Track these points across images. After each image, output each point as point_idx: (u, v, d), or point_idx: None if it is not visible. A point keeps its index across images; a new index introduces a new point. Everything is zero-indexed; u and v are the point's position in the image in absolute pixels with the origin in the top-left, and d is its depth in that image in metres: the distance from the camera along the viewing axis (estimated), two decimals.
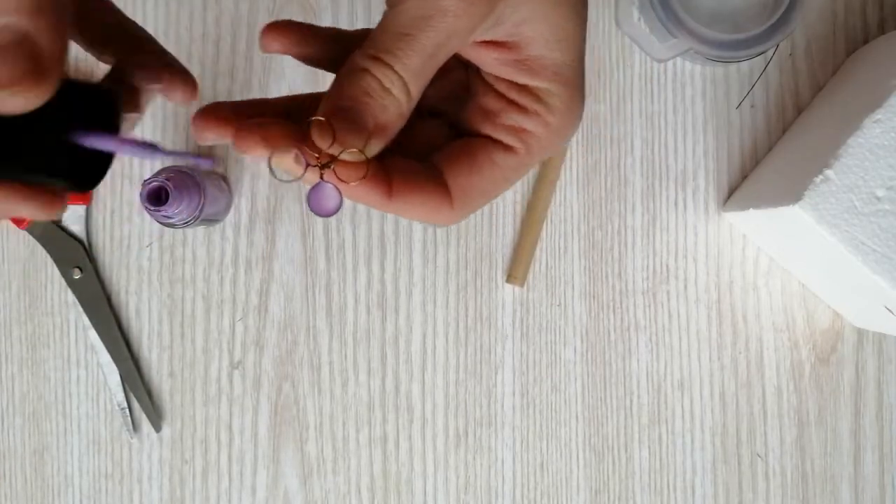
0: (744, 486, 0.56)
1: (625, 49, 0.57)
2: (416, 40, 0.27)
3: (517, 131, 0.31)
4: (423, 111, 0.32)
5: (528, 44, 0.29)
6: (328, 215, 0.28)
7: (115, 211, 0.57)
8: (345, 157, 0.27)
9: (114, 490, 0.56)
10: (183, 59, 0.60)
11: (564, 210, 0.57)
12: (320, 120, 0.27)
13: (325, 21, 0.57)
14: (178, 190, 0.49)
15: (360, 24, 0.57)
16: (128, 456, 0.57)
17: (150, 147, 0.25)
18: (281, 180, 0.28)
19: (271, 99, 0.31)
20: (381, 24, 0.28)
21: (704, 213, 0.57)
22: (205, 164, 0.29)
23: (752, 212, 0.51)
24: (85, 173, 0.25)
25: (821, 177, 0.44)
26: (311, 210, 0.28)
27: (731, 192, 0.57)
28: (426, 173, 0.30)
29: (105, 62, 0.29)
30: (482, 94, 0.32)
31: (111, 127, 0.25)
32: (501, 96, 0.31)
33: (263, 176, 0.57)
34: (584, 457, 0.56)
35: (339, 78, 0.28)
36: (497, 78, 0.31)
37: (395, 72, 0.28)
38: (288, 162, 0.28)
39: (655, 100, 0.57)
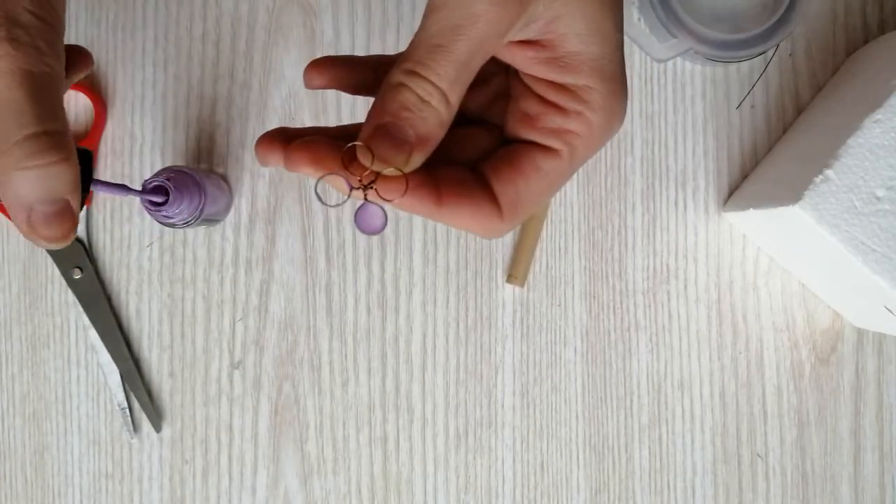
0: (744, 486, 0.56)
1: (625, 49, 0.57)
2: (450, 50, 0.28)
3: (559, 133, 0.30)
4: (468, 119, 0.33)
5: (562, 40, 0.29)
6: (375, 233, 0.29)
7: (115, 211, 0.57)
8: (387, 174, 0.28)
9: (114, 490, 0.56)
10: (183, 60, 0.60)
11: (564, 210, 0.57)
12: (360, 144, 0.28)
13: (326, 21, 0.57)
14: (179, 190, 0.49)
15: (359, 25, 0.57)
16: (128, 456, 0.57)
17: (124, 189, 0.36)
18: (328, 205, 0.30)
19: (325, 127, 0.32)
20: (414, 37, 0.29)
21: (704, 213, 0.57)
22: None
23: (752, 212, 0.51)
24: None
25: (821, 177, 0.44)
26: (360, 229, 0.29)
27: (731, 192, 0.57)
28: (475, 181, 0.30)
29: None
30: (521, 97, 0.31)
31: (90, 173, 0.33)
32: (540, 98, 0.30)
33: (264, 176, 0.57)
34: (585, 457, 0.56)
35: (378, 97, 0.29)
36: (535, 79, 0.30)
37: (432, 83, 0.28)
38: (337, 182, 0.29)
39: (655, 100, 0.57)
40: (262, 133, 0.31)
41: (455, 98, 0.29)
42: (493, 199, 0.30)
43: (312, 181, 0.56)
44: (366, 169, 0.28)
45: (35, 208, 0.28)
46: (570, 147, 0.30)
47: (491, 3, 0.27)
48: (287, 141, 0.30)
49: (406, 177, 0.28)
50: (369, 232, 0.29)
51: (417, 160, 0.28)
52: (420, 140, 0.28)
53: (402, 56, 0.29)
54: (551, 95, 0.30)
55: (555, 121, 0.30)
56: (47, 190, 0.28)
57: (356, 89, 0.33)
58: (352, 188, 0.28)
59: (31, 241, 0.29)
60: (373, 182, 0.28)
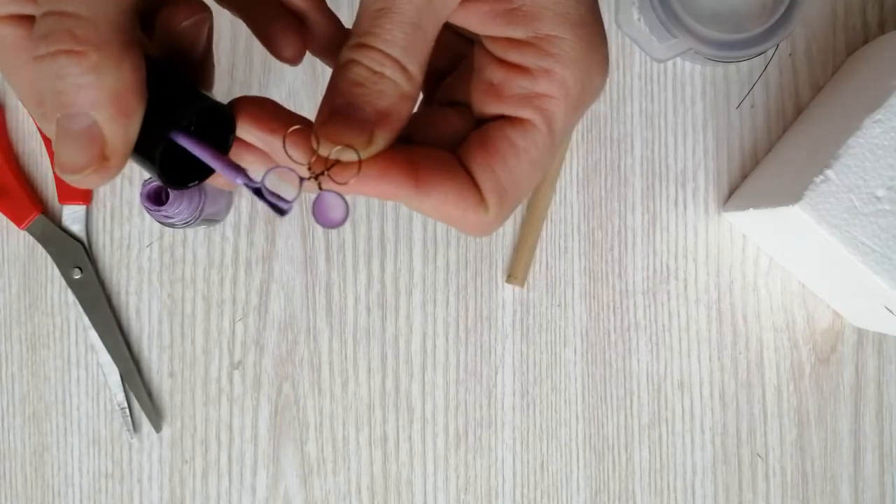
0: (744, 486, 0.56)
1: (625, 49, 0.57)
2: (394, 12, 0.24)
3: (529, 99, 0.25)
4: (441, 101, 0.29)
5: None
6: (335, 226, 0.26)
7: (115, 211, 0.57)
8: (345, 159, 0.25)
9: (114, 490, 0.56)
10: None
11: (564, 210, 0.57)
12: (297, 129, 0.25)
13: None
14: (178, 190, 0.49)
15: None
16: (128, 456, 0.57)
17: (236, 169, 0.26)
18: (282, 206, 0.25)
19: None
20: (358, 9, 0.25)
21: (704, 213, 0.57)
22: (284, 205, 0.26)
23: (752, 212, 0.51)
24: (181, 175, 0.27)
25: (821, 177, 0.44)
26: (318, 223, 0.25)
27: (731, 192, 0.57)
28: (457, 164, 0.26)
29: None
30: (483, 67, 0.27)
31: (222, 146, 0.27)
32: (502, 62, 0.26)
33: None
34: (585, 457, 0.56)
35: (329, 82, 0.26)
36: (494, 40, 0.26)
37: (381, 51, 0.24)
38: (287, 175, 0.25)
39: (655, 100, 0.57)
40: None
41: (414, 66, 0.25)
42: (475, 187, 0.26)
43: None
44: (313, 155, 0.25)
45: (58, 118, 0.23)
46: (545, 114, 0.25)
47: None
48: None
49: (359, 160, 0.25)
50: (328, 225, 0.25)
51: (381, 140, 0.25)
52: (380, 116, 0.25)
53: (349, 33, 0.25)
54: (514, 56, 0.25)
55: (521, 85, 0.25)
56: (55, 93, 0.22)
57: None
58: (301, 179, 0.25)
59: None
60: (326, 169, 0.25)
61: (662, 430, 0.56)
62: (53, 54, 0.22)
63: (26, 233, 0.57)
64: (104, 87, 0.22)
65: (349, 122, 0.24)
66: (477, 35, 0.27)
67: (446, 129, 0.27)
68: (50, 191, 0.57)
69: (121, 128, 0.23)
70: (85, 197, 0.57)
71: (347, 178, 0.25)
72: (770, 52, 0.56)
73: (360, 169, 0.25)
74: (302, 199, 0.57)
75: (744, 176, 0.57)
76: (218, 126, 0.26)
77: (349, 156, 0.25)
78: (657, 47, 0.53)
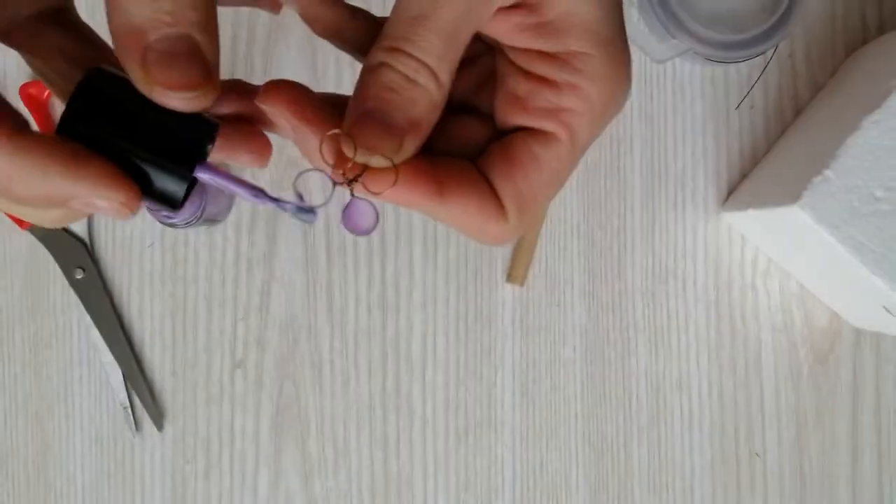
0: (742, 486, 0.56)
1: None
2: (433, 19, 0.24)
3: (554, 113, 0.26)
4: (457, 107, 0.29)
5: (551, 1, 0.25)
6: (365, 234, 0.25)
7: None
8: (375, 164, 0.24)
9: (116, 489, 0.57)
10: None
11: (564, 210, 0.57)
12: (336, 133, 0.24)
13: None
14: None
15: None
16: (130, 455, 0.57)
17: (257, 191, 0.25)
18: (312, 207, 0.25)
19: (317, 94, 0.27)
20: (392, 11, 0.25)
21: (703, 214, 0.57)
22: (309, 218, 0.26)
23: (751, 212, 0.51)
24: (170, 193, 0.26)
25: (820, 177, 0.44)
26: (347, 229, 0.25)
27: (731, 192, 0.57)
28: (479, 175, 0.26)
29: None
30: (509, 77, 0.27)
31: (203, 156, 0.26)
32: (529, 74, 0.26)
33: (265, 176, 0.57)
34: (584, 456, 0.56)
35: (358, 82, 0.25)
36: (522, 52, 0.26)
37: (417, 59, 0.24)
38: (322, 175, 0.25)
39: (655, 100, 0.57)
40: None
41: (445, 76, 0.25)
42: (496, 197, 0.26)
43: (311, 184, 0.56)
44: (348, 161, 0.24)
45: (152, 45, 0.22)
46: (569, 128, 0.26)
47: None
48: (233, 88, 0.26)
49: (396, 167, 0.24)
50: (358, 232, 0.25)
51: (410, 148, 0.25)
52: (411, 124, 0.25)
53: (381, 34, 0.25)
54: (541, 69, 0.26)
55: (547, 98, 0.26)
56: (168, 14, 0.22)
57: (330, 32, 0.28)
58: (335, 183, 0.25)
59: (153, 94, 0.23)
60: (359, 175, 0.24)
61: (661, 429, 0.56)
62: None
63: (29, 233, 0.57)
64: (209, 11, 0.22)
65: (381, 128, 0.24)
66: (499, 44, 0.27)
67: (466, 137, 0.27)
68: None
69: (217, 50, 0.23)
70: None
71: (383, 186, 0.25)
72: (769, 53, 0.56)
73: (397, 177, 0.25)
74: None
75: (743, 176, 0.57)
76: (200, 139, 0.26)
77: (378, 161, 0.24)
78: (657, 48, 0.53)
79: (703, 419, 0.56)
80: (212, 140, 0.25)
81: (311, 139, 0.25)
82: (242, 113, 0.27)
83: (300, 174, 0.25)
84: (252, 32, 0.57)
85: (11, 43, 0.27)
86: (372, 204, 0.25)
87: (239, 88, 0.27)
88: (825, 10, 0.57)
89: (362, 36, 0.27)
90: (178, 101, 0.23)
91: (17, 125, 0.22)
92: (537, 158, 0.26)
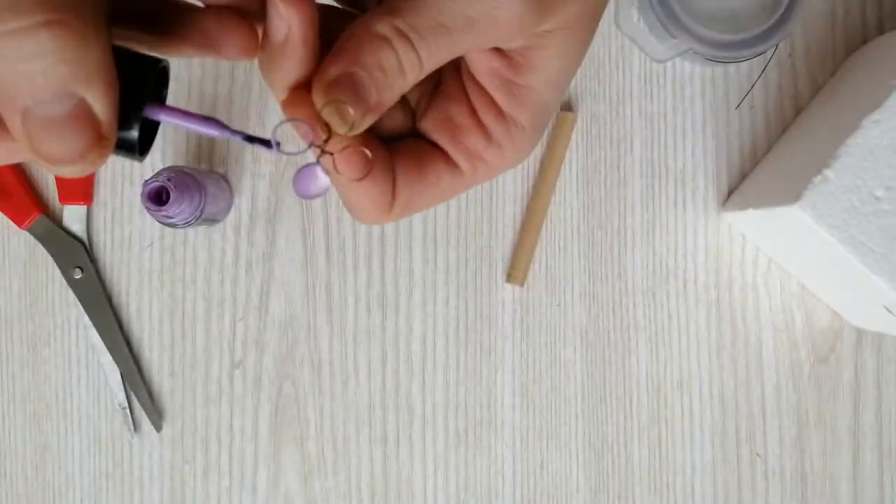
0: (743, 486, 0.56)
1: (624, 49, 0.57)
2: (453, 38, 0.25)
3: (474, 155, 0.28)
4: None
5: (529, 70, 0.27)
6: (310, 197, 0.26)
7: (115, 211, 0.57)
8: (336, 125, 0.24)
9: (114, 489, 0.57)
10: (183, 60, 0.60)
11: (564, 210, 0.57)
12: (327, 82, 0.24)
13: None
14: (179, 190, 0.49)
15: None
16: (128, 455, 0.57)
17: (209, 121, 0.24)
18: (283, 153, 0.25)
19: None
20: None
21: (704, 214, 0.57)
22: (263, 147, 0.24)
23: (751, 212, 0.51)
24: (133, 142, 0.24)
25: (820, 177, 0.44)
26: (298, 193, 0.25)
27: (731, 192, 0.57)
28: (390, 164, 0.27)
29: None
30: (454, 102, 0.29)
31: (159, 98, 0.25)
32: (473, 113, 0.28)
33: (264, 176, 0.57)
34: (584, 456, 0.56)
35: (353, 40, 0.25)
36: (478, 89, 0.28)
37: (420, 58, 0.25)
38: (301, 128, 0.25)
39: (655, 100, 0.57)
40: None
41: (422, 78, 0.26)
42: (392, 191, 0.27)
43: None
44: (324, 122, 0.24)
45: (29, 108, 0.20)
46: (475, 172, 0.28)
47: (513, 17, 0.24)
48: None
49: (367, 156, 0.25)
50: (305, 195, 0.25)
51: (362, 126, 0.25)
52: (377, 106, 0.25)
53: (390, 4, 0.25)
54: (486, 116, 0.28)
55: (477, 143, 0.28)
56: (28, 76, 0.19)
57: None
58: (311, 143, 0.25)
59: (38, 163, 0.21)
60: (327, 140, 0.24)
61: (662, 429, 0.56)
62: (27, 28, 0.19)
63: (27, 233, 0.57)
64: (90, 60, 0.20)
65: (353, 96, 0.24)
66: (464, 65, 0.28)
67: (389, 123, 0.29)
68: (51, 191, 0.58)
69: (111, 102, 0.21)
70: (85, 197, 0.57)
71: (356, 171, 0.25)
72: (769, 53, 0.56)
73: (371, 165, 0.25)
74: (301, 203, 0.57)
75: (743, 176, 0.57)
76: (150, 81, 0.24)
77: (340, 126, 0.25)
78: (657, 48, 0.53)
79: (703, 419, 0.56)
80: (162, 79, 0.24)
81: (294, 61, 0.24)
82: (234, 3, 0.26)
83: (279, 124, 0.25)
84: None
85: None
86: (324, 169, 0.25)
87: None
88: (825, 9, 0.57)
89: None
90: (67, 170, 0.21)
91: None
92: (440, 182, 0.28)
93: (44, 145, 0.20)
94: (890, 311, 0.47)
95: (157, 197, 0.49)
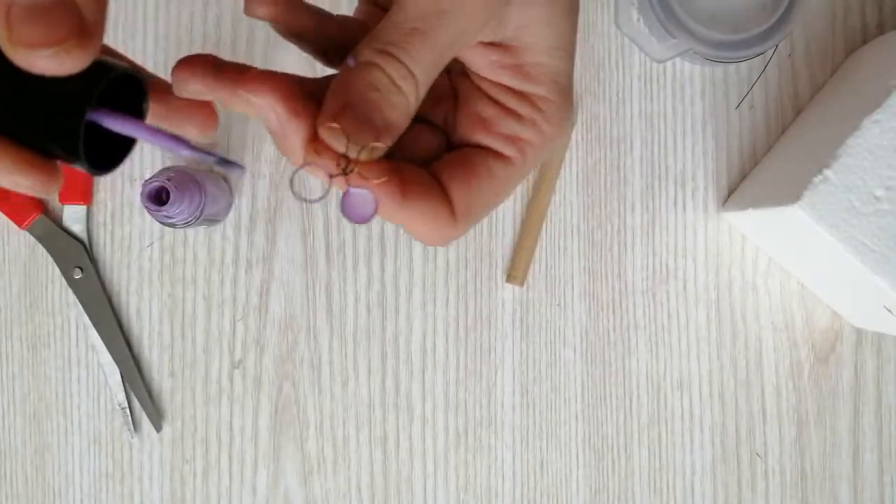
0: (743, 486, 0.56)
1: (624, 49, 0.57)
2: (429, 36, 0.26)
3: (514, 140, 0.29)
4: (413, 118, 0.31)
5: (528, 48, 0.28)
6: (366, 221, 0.26)
7: (115, 211, 0.57)
8: (361, 158, 0.25)
9: (114, 489, 0.57)
10: None
11: (564, 210, 0.57)
12: (335, 127, 0.25)
13: None
14: (179, 190, 0.49)
15: None
16: (128, 455, 0.57)
17: (177, 140, 0.24)
18: (309, 201, 0.26)
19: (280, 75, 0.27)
20: (388, 16, 0.26)
21: (704, 213, 0.57)
22: (234, 170, 0.26)
23: (751, 212, 0.51)
24: (103, 156, 0.24)
25: (820, 177, 0.44)
26: (347, 218, 0.26)
27: (731, 192, 0.57)
28: (433, 180, 0.28)
29: None
30: (475, 100, 0.30)
31: (136, 113, 0.25)
32: (496, 103, 0.29)
33: (264, 176, 0.57)
34: (584, 456, 0.56)
35: (341, 76, 0.26)
36: (492, 83, 0.29)
37: (407, 67, 0.26)
38: (316, 171, 0.26)
39: (655, 100, 0.57)
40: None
41: (424, 89, 0.26)
42: (448, 201, 0.28)
43: (309, 180, 0.56)
44: (336, 152, 0.25)
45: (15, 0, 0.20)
46: (522, 154, 0.29)
47: None
48: (218, 69, 0.26)
49: (379, 161, 0.26)
50: (359, 221, 0.26)
51: (379, 149, 0.26)
52: (386, 126, 0.26)
53: (370, 35, 0.26)
54: (509, 101, 0.29)
55: (511, 127, 0.29)
56: None
57: (298, 38, 0.29)
58: (331, 176, 0.25)
59: (17, 57, 0.21)
60: (348, 165, 0.25)
61: (662, 429, 0.56)
62: None
63: (27, 233, 0.57)
64: None
65: (357, 123, 0.25)
66: (467, 70, 0.30)
67: (420, 146, 0.30)
68: None
69: (99, 6, 0.21)
70: (85, 197, 0.57)
71: (378, 174, 0.25)
72: (769, 53, 0.56)
73: (385, 171, 0.25)
74: (301, 203, 0.57)
75: (743, 176, 0.57)
76: (127, 94, 0.24)
77: (363, 155, 0.25)
78: (656, 48, 0.53)
79: (703, 419, 0.56)
80: (123, 80, 0.24)
81: (296, 131, 0.26)
82: (210, 91, 0.27)
83: (295, 172, 0.26)
84: (252, 32, 0.57)
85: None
86: (371, 191, 0.26)
87: (206, 64, 0.27)
88: (825, 9, 0.57)
89: (325, 38, 0.29)
90: (43, 60, 0.21)
91: None
92: (493, 175, 0.29)
93: (24, 31, 0.20)
94: (890, 311, 0.47)
95: (157, 197, 0.49)
